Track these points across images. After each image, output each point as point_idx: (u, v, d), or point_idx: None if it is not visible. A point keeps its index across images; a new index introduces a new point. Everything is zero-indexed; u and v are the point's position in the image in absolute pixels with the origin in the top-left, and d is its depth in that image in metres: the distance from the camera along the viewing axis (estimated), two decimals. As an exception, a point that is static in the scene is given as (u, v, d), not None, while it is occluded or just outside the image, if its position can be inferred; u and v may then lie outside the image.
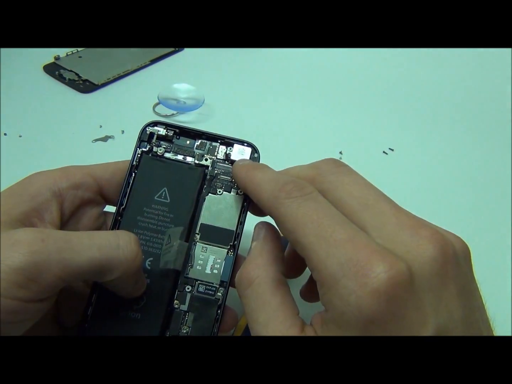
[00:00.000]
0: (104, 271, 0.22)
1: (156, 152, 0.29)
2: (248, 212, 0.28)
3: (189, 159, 0.29)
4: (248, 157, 0.29)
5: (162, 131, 0.29)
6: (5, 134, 0.48)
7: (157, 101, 0.53)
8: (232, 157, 0.29)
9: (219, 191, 0.28)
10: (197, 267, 0.27)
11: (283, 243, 0.26)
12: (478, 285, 0.22)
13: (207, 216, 0.28)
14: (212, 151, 0.29)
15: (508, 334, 0.34)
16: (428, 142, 0.53)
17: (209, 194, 0.28)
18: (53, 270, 0.20)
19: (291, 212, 0.21)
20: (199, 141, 0.29)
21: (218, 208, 0.28)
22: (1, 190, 0.25)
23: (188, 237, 0.27)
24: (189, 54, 0.64)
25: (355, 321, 0.18)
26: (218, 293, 0.26)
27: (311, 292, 0.28)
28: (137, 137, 0.29)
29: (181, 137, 0.29)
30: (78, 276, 0.21)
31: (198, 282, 0.27)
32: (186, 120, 0.53)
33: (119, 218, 0.27)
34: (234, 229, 0.27)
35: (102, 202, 0.28)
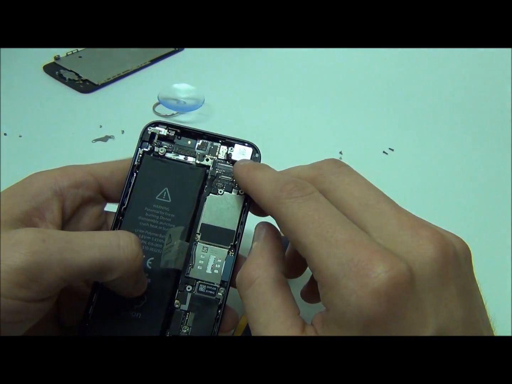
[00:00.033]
0: (104, 271, 0.22)
1: (157, 152, 0.29)
2: (249, 212, 0.28)
3: (190, 159, 0.29)
4: (249, 157, 0.29)
5: (163, 131, 0.29)
6: (5, 134, 0.48)
7: (157, 101, 0.53)
8: (233, 157, 0.29)
9: (220, 191, 0.28)
10: (198, 267, 0.27)
11: (284, 243, 0.26)
12: (479, 285, 0.22)
13: (208, 216, 0.28)
14: (213, 151, 0.29)
15: (508, 334, 0.34)
16: (428, 142, 0.53)
17: (210, 194, 0.28)
18: (54, 270, 0.20)
19: (292, 212, 0.21)
20: (200, 141, 0.29)
21: (219, 208, 0.28)
22: (2, 190, 0.25)
23: (189, 237, 0.27)
24: (189, 54, 0.64)
25: (356, 321, 0.18)
26: (218, 293, 0.27)
27: (312, 293, 0.28)
28: (138, 137, 0.29)
29: (182, 137, 0.29)
30: (79, 276, 0.21)
31: (199, 282, 0.27)
32: (186, 120, 0.53)
33: (121, 218, 0.27)
34: (235, 229, 0.27)
35: (102, 200, 0.28)
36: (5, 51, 0.59)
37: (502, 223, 0.44)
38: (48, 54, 0.59)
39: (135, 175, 0.28)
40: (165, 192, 0.28)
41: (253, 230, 0.26)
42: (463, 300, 0.20)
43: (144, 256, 0.26)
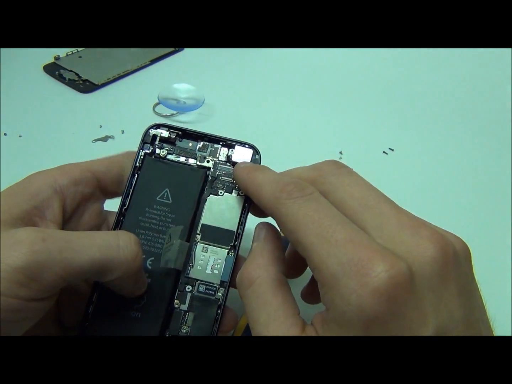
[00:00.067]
0: (104, 271, 0.22)
1: (158, 154, 0.29)
2: (249, 213, 0.28)
3: (191, 160, 0.29)
4: (249, 159, 0.29)
5: (165, 133, 0.29)
6: (5, 134, 0.48)
7: (157, 101, 0.53)
8: (234, 159, 0.29)
9: (221, 192, 0.28)
10: (198, 267, 0.27)
11: (284, 243, 0.26)
12: (478, 285, 0.22)
13: (208, 217, 0.28)
14: (213, 153, 0.29)
15: (508, 334, 0.34)
16: (428, 142, 0.53)
17: (211, 195, 0.28)
18: (54, 269, 0.20)
19: (292, 213, 0.22)
20: (201, 143, 0.29)
21: (219, 209, 0.28)
22: (2, 190, 0.25)
23: (189, 238, 0.27)
24: (189, 54, 0.64)
25: (356, 320, 0.18)
26: (218, 293, 0.27)
27: (312, 293, 0.29)
28: (140, 139, 0.29)
29: (183, 139, 0.29)
30: (78, 275, 0.21)
31: (199, 282, 0.27)
32: (186, 120, 0.53)
33: (122, 218, 0.27)
34: (235, 229, 0.28)
35: (101, 197, 0.28)
36: (5, 51, 0.59)
37: (502, 223, 0.44)
38: (48, 54, 0.59)
39: (136, 176, 0.28)
40: (166, 193, 0.28)
41: (253, 231, 0.26)
42: (463, 300, 0.20)
43: (144, 256, 0.26)
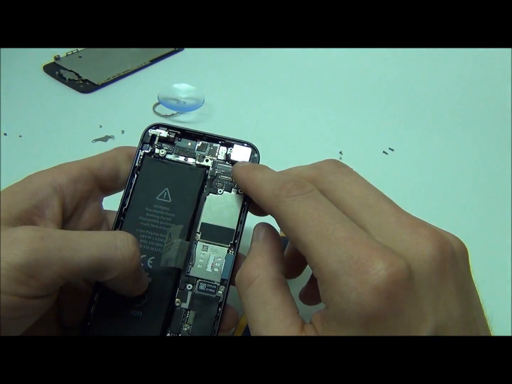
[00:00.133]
0: (102, 270, 0.22)
1: (158, 154, 0.29)
2: (249, 212, 0.28)
3: (190, 160, 0.29)
4: (248, 158, 0.29)
5: (164, 133, 0.29)
6: (5, 134, 0.48)
7: (157, 101, 0.53)
8: (232, 158, 0.29)
9: (220, 191, 0.28)
10: (198, 265, 0.27)
11: (283, 243, 0.26)
12: (476, 285, 0.22)
13: (208, 215, 0.28)
14: (212, 152, 0.29)
15: (507, 334, 0.34)
16: (428, 142, 0.53)
17: (210, 194, 0.28)
18: (52, 267, 0.20)
19: (291, 211, 0.22)
20: (200, 142, 0.29)
21: (219, 208, 0.28)
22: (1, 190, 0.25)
23: (189, 236, 0.27)
24: (189, 54, 0.64)
25: (356, 317, 0.18)
26: (219, 291, 0.27)
27: (310, 294, 0.29)
28: (139, 139, 0.29)
29: (182, 139, 0.29)
30: (77, 274, 0.21)
31: (199, 280, 0.27)
32: (186, 120, 0.53)
33: (122, 218, 0.27)
34: (235, 228, 0.28)
35: (99, 194, 0.28)
36: (5, 51, 0.59)
37: (501, 223, 0.44)
38: (48, 54, 0.59)
39: (136, 176, 0.28)
40: (165, 193, 0.28)
41: (252, 229, 0.26)
42: (461, 299, 0.20)
43: (145, 256, 0.26)
